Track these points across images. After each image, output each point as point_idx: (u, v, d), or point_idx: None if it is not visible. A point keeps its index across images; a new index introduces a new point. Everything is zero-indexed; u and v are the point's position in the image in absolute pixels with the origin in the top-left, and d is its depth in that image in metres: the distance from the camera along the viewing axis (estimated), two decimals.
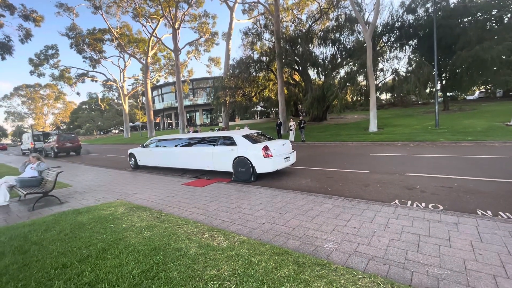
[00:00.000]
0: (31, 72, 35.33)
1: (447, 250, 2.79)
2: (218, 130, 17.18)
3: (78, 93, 74.02)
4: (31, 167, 6.65)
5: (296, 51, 23.76)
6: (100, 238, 3.49)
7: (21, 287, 2.42)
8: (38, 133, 26.44)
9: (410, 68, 22.53)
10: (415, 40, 22.96)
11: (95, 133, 72.57)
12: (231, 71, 26.01)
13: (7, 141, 78.79)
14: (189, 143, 8.56)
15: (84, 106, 78.31)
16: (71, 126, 75.52)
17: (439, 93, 23.95)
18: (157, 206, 5.06)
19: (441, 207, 4.27)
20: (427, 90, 22.35)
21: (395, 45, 23.04)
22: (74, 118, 76.40)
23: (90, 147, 29.33)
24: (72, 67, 39.26)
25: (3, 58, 23.24)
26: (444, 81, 25.30)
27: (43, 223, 4.26)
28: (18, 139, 63.69)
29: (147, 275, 2.52)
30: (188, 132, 17.34)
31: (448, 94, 28.87)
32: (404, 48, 22.95)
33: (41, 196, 5.88)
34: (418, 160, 8.37)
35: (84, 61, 36.49)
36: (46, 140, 23.54)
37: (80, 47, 34.86)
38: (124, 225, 3.96)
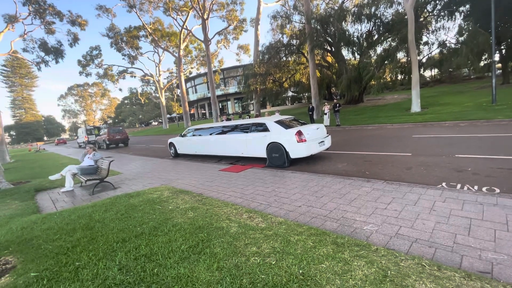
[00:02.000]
0: (80, 73, 39.04)
1: (504, 234, 2.57)
2: (241, 118, 17.26)
3: (120, 89, 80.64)
4: (88, 157, 7.51)
5: (328, 31, 22.53)
6: (151, 218, 3.87)
7: (92, 256, 2.84)
8: (90, 127, 29.46)
9: (461, 39, 20.03)
10: (467, 6, 20.18)
11: (137, 126, 78.34)
12: (260, 58, 25.71)
13: (65, 136, 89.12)
14: (223, 131, 8.83)
15: (126, 101, 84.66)
16: (116, 120, 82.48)
17: (498, 65, 21.01)
18: (198, 190, 5.40)
19: (497, 190, 3.88)
20: (482, 63, 19.74)
21: (442, 13, 20.48)
22: (118, 112, 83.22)
23: (134, 139, 31.84)
24: (114, 65, 42.49)
25: (57, 62, 26.04)
26: (503, 51, 22.05)
27: (102, 205, 4.84)
28: (74, 134, 71.69)
29: (194, 250, 2.76)
30: (222, 120, 17.85)
31: (509, 65, 25.09)
32: (453, 16, 20.29)
33: (98, 182, 6.65)
34: (470, 141, 7.59)
35: (123, 58, 39.19)
36: (98, 133, 26.18)
37: (119, 45, 37.37)
38: (170, 207, 4.32)
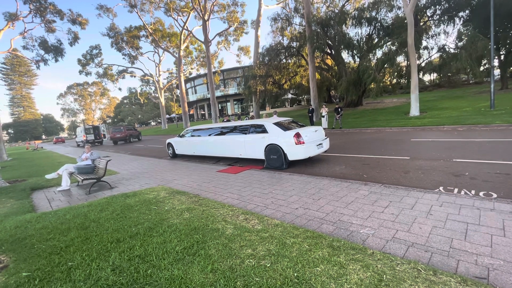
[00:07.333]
0: (80, 72, 39.00)
1: (500, 239, 2.55)
2: (240, 119, 17.30)
3: (119, 89, 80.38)
4: (85, 156, 7.47)
5: (328, 34, 22.58)
6: (146, 218, 3.84)
7: (85, 256, 2.81)
8: (88, 126, 29.40)
9: (460, 44, 20.08)
10: (467, 11, 20.26)
11: (136, 125, 78.14)
12: (260, 59, 25.73)
13: (64, 134, 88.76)
14: (222, 132, 8.81)
15: (125, 101, 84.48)
16: (115, 120, 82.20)
17: (497, 70, 21.08)
18: (194, 191, 5.37)
19: (495, 195, 3.87)
20: (481, 68, 19.81)
21: (442, 18, 20.56)
22: (117, 112, 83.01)
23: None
24: (114, 64, 42.63)
25: (56, 60, 25.95)
26: (502, 56, 22.15)
27: (98, 205, 4.80)
28: (73, 133, 71.47)
29: (189, 251, 2.73)
30: (223, 121, 17.96)
31: (508, 70, 25.23)
32: (453, 21, 20.37)
33: (95, 181, 6.61)
34: (468, 145, 7.60)
35: (123, 58, 39.27)
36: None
37: (119, 45, 37.35)
38: (166, 208, 4.29)
